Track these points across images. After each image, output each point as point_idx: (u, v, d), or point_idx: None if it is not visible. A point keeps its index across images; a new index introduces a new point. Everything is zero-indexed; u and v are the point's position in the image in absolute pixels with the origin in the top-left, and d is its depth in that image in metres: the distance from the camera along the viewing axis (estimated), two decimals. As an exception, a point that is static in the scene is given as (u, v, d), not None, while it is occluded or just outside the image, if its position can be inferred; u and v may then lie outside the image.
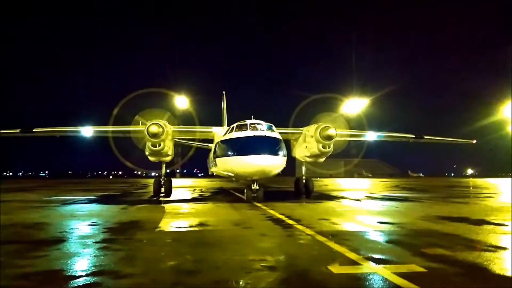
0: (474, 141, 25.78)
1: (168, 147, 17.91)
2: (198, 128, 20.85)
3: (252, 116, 16.15)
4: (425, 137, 23.40)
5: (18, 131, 19.77)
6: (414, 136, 22.98)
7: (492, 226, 8.74)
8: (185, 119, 21.61)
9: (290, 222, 9.39)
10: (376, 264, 5.14)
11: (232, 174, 16.39)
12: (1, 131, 19.87)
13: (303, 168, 20.92)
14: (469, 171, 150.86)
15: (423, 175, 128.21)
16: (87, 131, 19.74)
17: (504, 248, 6.24)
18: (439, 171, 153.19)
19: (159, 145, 17.21)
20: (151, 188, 23.26)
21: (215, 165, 18.04)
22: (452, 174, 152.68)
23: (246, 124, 15.25)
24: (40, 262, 5.33)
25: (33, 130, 19.80)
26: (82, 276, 4.64)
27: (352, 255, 5.61)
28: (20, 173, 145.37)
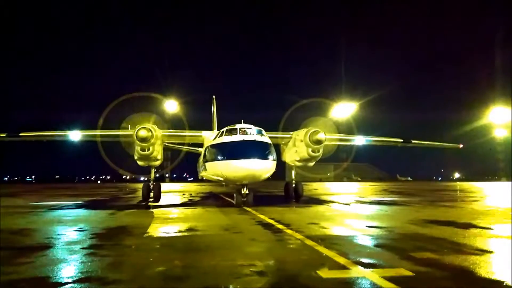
0: (461, 146, 26.16)
1: (157, 152, 17.82)
2: (188, 132, 20.77)
3: (242, 121, 16.17)
4: (413, 141, 23.68)
5: (4, 135, 19.49)
6: (402, 140, 23.23)
7: (479, 230, 8.86)
8: (174, 123, 21.51)
9: (280, 226, 9.40)
10: (364, 268, 5.17)
11: (222, 179, 16.34)
12: (-13, 136, 19.55)
13: (293, 172, 20.97)
14: (456, 175, 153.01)
15: (411, 179, 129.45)
16: (75, 135, 19.53)
17: (490, 252, 6.32)
18: (427, 175, 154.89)
19: (148, 149, 17.10)
20: (140, 193, 23.07)
21: (205, 169, 17.98)
22: (440, 178, 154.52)
23: (236, 129, 15.25)
24: (26, 268, 5.24)
25: (20, 134, 19.53)
26: (69, 282, 4.58)
27: (341, 260, 5.63)
28: (6, 178, 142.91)
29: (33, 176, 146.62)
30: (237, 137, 14.76)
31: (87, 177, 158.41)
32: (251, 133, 15.03)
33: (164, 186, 28.93)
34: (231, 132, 15.31)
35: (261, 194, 25.95)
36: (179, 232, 8.76)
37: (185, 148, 25.90)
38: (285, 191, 21.68)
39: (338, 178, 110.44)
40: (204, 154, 18.28)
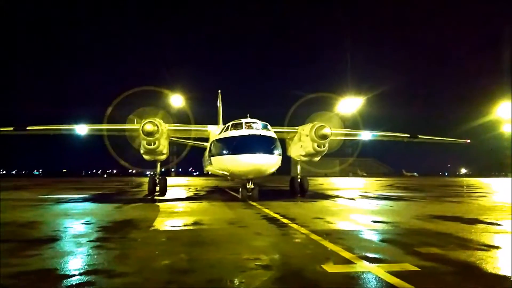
0: (468, 141, 25.95)
1: (163, 146, 17.85)
2: (194, 127, 20.78)
3: (248, 115, 16.15)
4: (419, 136, 23.52)
5: (11, 129, 19.62)
6: (408, 135, 23.09)
7: (485, 225, 8.81)
8: (180, 117, 21.52)
9: (285, 221, 9.41)
10: (369, 263, 5.16)
11: (227, 173, 16.37)
12: (-5, 129, 19.70)
13: (298, 167, 20.94)
14: (463, 171, 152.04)
15: (417, 175, 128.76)
16: (82, 129, 19.63)
17: (497, 247, 6.29)
18: (433, 170, 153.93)
19: (154, 143, 17.14)
20: (145, 187, 23.19)
21: (210, 164, 18.02)
22: (446, 174, 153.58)
23: (242, 123, 15.25)
24: (33, 261, 5.30)
25: (27, 128, 19.66)
26: (76, 275, 4.62)
27: (346, 254, 5.63)
28: (14, 171, 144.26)
29: (40, 170, 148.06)
30: (243, 132, 14.77)
31: (94, 171, 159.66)
32: (257, 127, 15.02)
33: (170, 180, 29.04)
34: (237, 126, 15.31)
35: (266, 189, 25.96)
36: (184, 225, 8.80)
37: (190, 142, 25.91)
38: (290, 185, 21.68)
39: (343, 173, 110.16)
40: (210, 148, 18.31)
